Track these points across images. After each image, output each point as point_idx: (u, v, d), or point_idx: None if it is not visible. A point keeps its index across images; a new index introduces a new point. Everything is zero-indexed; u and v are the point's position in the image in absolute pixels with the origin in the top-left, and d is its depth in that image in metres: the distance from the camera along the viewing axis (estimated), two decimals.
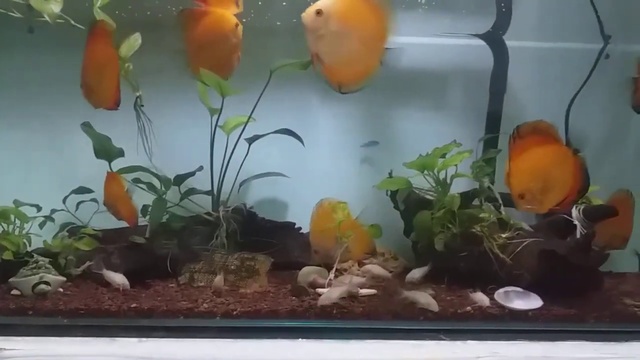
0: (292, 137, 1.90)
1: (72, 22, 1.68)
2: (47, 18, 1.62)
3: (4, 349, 1.30)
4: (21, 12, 1.67)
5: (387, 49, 1.50)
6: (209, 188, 1.90)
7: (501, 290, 1.55)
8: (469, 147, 1.82)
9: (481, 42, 1.96)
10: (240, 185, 1.95)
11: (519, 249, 1.61)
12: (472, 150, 1.81)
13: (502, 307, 1.51)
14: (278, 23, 1.95)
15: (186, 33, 1.65)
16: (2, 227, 1.64)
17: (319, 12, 1.43)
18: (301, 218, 1.89)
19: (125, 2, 1.75)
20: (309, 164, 2.03)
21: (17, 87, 1.93)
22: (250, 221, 1.93)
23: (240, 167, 1.91)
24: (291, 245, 1.92)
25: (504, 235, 1.65)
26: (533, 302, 1.51)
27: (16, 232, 1.66)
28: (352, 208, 1.81)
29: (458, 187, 1.81)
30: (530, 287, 1.55)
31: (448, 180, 1.79)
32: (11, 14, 1.63)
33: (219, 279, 1.60)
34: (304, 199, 1.91)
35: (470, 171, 1.83)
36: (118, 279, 1.56)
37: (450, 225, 1.71)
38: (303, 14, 1.46)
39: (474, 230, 1.67)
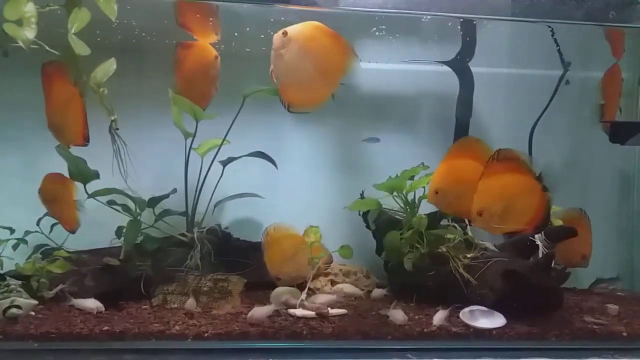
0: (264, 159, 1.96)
1: (47, 48, 1.70)
2: (21, 44, 1.64)
3: None
4: None
5: (341, 84, 1.57)
6: (184, 209, 1.94)
7: (466, 310, 1.60)
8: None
9: (448, 69, 2.04)
10: (215, 206, 1.98)
11: (483, 269, 1.67)
12: None
13: (467, 325, 1.56)
14: (247, 49, 2.01)
15: (175, 64, 1.75)
16: None
17: (284, 34, 1.53)
18: None
19: (99, 27, 1.77)
20: (283, 185, 2.08)
21: None
22: (225, 241, 1.96)
23: (215, 189, 1.95)
24: (264, 265, 1.95)
25: (469, 255, 1.71)
26: (497, 320, 1.56)
27: None
28: (326, 227, 1.87)
29: (426, 208, 1.87)
30: (494, 306, 1.60)
31: (416, 202, 1.86)
32: None
33: (190, 302, 1.62)
34: (278, 219, 1.95)
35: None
36: (91, 304, 1.56)
37: (418, 245, 1.77)
38: (274, 35, 1.55)
39: (440, 250, 1.73)
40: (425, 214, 1.79)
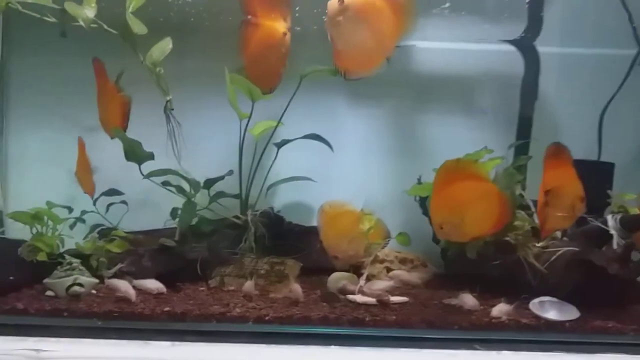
0: (320, 142, 1.91)
1: (105, 26, 1.70)
2: (81, 23, 1.64)
3: (42, 350, 1.30)
4: (56, 16, 1.69)
5: (397, 46, 1.57)
6: (237, 191, 1.91)
7: (536, 300, 1.52)
8: (499, 154, 1.81)
9: (512, 48, 1.94)
10: (267, 189, 1.95)
11: (553, 258, 1.59)
12: (503, 156, 1.79)
13: (538, 317, 1.49)
14: (297, 28, 1.96)
15: (242, 44, 1.71)
16: (36, 228, 1.65)
17: (341, 1, 1.53)
18: None
19: (158, 5, 1.75)
20: (337, 168, 2.03)
21: (50, 90, 1.96)
22: (278, 225, 1.93)
23: (269, 171, 1.92)
24: (318, 250, 1.91)
25: (538, 244, 1.62)
26: (569, 313, 1.48)
27: (49, 234, 1.67)
28: (379, 213, 1.81)
29: None
30: (566, 297, 1.52)
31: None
32: (46, 18, 1.65)
33: (250, 284, 1.60)
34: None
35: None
36: (152, 285, 1.55)
37: None
38: (329, 2, 1.56)
39: (507, 238, 1.65)
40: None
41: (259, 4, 1.67)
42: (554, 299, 1.52)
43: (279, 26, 1.70)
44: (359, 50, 1.57)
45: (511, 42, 1.93)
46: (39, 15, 1.63)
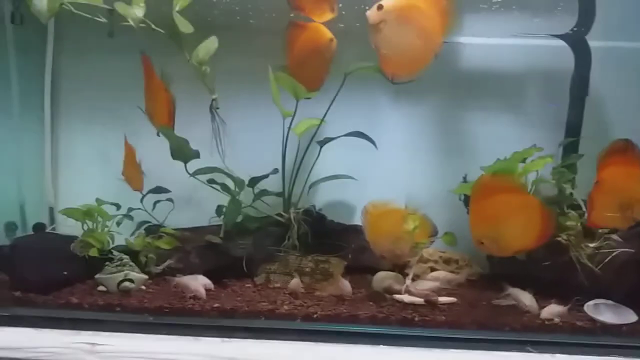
0: (361, 139, 1.90)
1: (153, 26, 1.72)
2: (131, 22, 1.66)
3: (97, 344, 1.34)
4: (104, 16, 1.72)
5: (444, 42, 1.57)
6: (279, 189, 1.92)
7: (591, 303, 1.48)
8: (547, 152, 1.76)
9: (562, 43, 1.89)
10: (309, 188, 1.95)
11: (608, 259, 1.54)
12: (553, 155, 1.74)
13: (593, 320, 1.44)
14: (341, 25, 1.95)
15: (288, 45, 1.74)
16: (87, 225, 1.69)
17: (380, 7, 1.54)
18: None
19: (203, 4, 1.77)
20: (379, 166, 2.01)
21: (98, 89, 2.00)
22: (320, 223, 1.92)
23: (311, 170, 1.91)
24: (360, 248, 1.90)
25: (592, 245, 1.58)
26: (626, 316, 1.43)
27: (99, 230, 1.70)
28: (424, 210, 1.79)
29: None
30: (622, 300, 1.47)
31: (529, 186, 1.73)
32: (97, 19, 1.68)
33: (296, 282, 1.60)
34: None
35: (550, 177, 1.76)
36: (201, 282, 1.56)
37: None
38: (367, 11, 1.56)
39: (559, 238, 1.60)
40: (540, 200, 1.66)
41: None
42: (610, 302, 1.48)
43: (326, 32, 1.73)
44: (404, 53, 1.57)
45: (561, 36, 1.87)
46: (90, 16, 1.66)
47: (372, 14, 1.54)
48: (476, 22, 1.90)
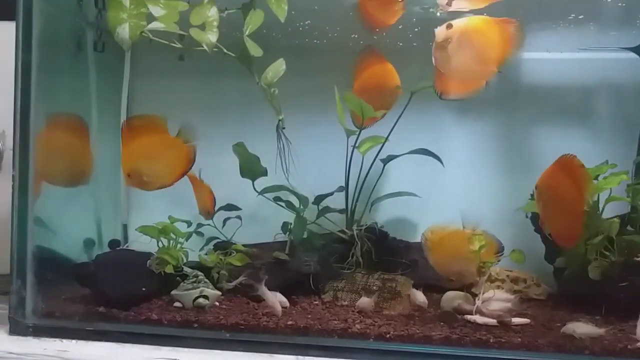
0: (423, 156, 1.90)
1: (225, 50, 1.78)
2: (205, 47, 1.73)
3: None
4: (179, 42, 1.79)
5: (498, 72, 1.59)
6: (341, 206, 1.94)
7: None
8: (619, 169, 1.71)
9: (634, 55, 1.84)
10: (372, 205, 1.96)
11: None
12: (627, 171, 1.69)
13: None
14: (400, 44, 1.96)
15: (357, 68, 1.79)
16: (162, 242, 1.75)
17: (449, 26, 1.57)
18: None
19: (275, 28, 1.82)
20: (442, 183, 2.00)
21: (168, 109, 2.08)
22: (382, 240, 1.93)
23: (374, 187, 1.93)
24: (424, 266, 1.89)
25: None
26: None
27: (174, 247, 1.76)
28: (488, 230, 1.77)
29: (610, 211, 1.69)
30: None
31: (601, 204, 1.69)
32: (173, 44, 1.76)
33: (366, 300, 1.61)
34: (435, 219, 1.90)
35: (625, 194, 1.71)
36: (278, 299, 1.59)
37: (607, 253, 1.61)
38: (436, 28, 1.59)
39: (637, 258, 1.55)
40: (615, 218, 1.62)
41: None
42: None
43: (395, 77, 1.79)
44: (461, 73, 1.60)
45: (633, 49, 1.82)
46: (166, 42, 1.74)
47: (440, 31, 1.58)
48: (550, 36, 1.89)
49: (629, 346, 1.38)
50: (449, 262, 1.72)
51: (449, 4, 1.60)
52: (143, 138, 1.67)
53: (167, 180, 1.71)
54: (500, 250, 1.75)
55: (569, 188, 1.53)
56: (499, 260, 1.75)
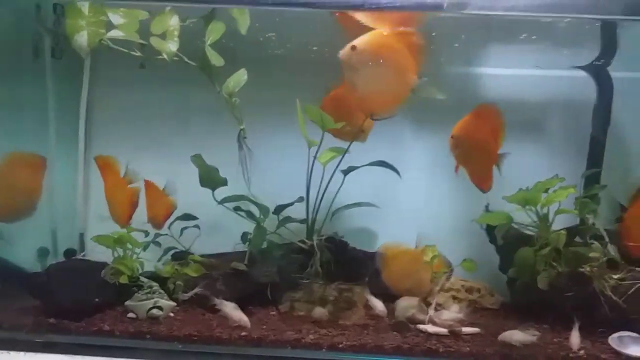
0: (384, 168, 1.93)
1: (186, 59, 1.79)
2: (165, 56, 1.73)
3: None
4: (139, 50, 1.79)
5: (418, 79, 1.62)
6: (302, 216, 1.95)
7: (615, 335, 1.48)
8: (569, 182, 1.77)
9: (584, 74, 1.91)
10: (332, 215, 1.98)
11: (632, 291, 1.54)
12: (575, 185, 1.75)
13: (618, 353, 1.44)
14: None
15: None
16: (118, 252, 1.73)
17: (353, 48, 1.57)
18: None
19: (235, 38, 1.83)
20: (400, 195, 2.04)
21: (129, 117, 2.07)
22: (342, 250, 1.95)
23: (334, 198, 1.95)
24: (382, 276, 1.92)
25: (615, 276, 1.58)
26: None
27: (129, 257, 1.74)
28: (444, 241, 1.82)
29: (560, 223, 1.75)
30: None
31: (550, 216, 1.75)
32: (133, 53, 1.76)
33: (321, 311, 1.62)
34: (394, 230, 1.94)
35: (573, 207, 1.77)
36: (228, 309, 1.58)
37: (555, 263, 1.66)
38: (341, 51, 1.59)
39: (582, 269, 1.61)
40: (562, 230, 1.67)
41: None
42: (635, 334, 1.48)
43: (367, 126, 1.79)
44: (380, 90, 1.61)
45: (583, 68, 1.90)
46: (125, 50, 1.73)
47: (345, 54, 1.57)
48: (502, 53, 1.95)
49: (570, 354, 1.43)
50: (400, 280, 1.76)
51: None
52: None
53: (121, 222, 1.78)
54: (448, 268, 1.82)
55: (487, 134, 1.67)
56: (448, 277, 1.82)
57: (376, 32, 1.60)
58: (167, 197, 1.86)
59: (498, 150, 1.70)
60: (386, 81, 1.59)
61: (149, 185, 1.85)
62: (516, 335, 1.46)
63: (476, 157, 1.70)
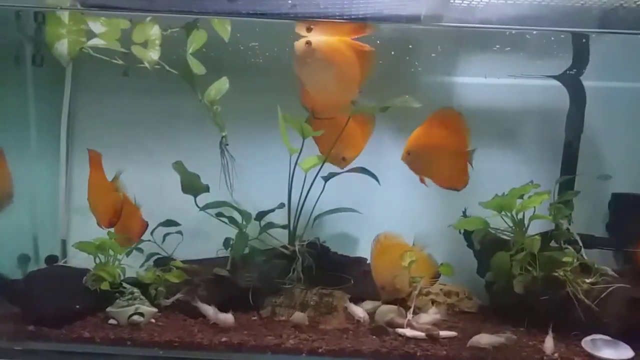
0: (365, 175, 1.96)
1: (167, 67, 1.80)
2: (146, 64, 1.75)
3: None
4: (121, 58, 1.80)
5: (360, 91, 1.69)
6: (285, 222, 1.97)
7: (588, 338, 1.53)
8: (543, 188, 1.82)
9: (557, 83, 1.97)
10: (314, 220, 2.01)
11: (604, 295, 1.59)
12: (549, 191, 1.80)
13: (590, 355, 1.49)
14: None
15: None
16: (99, 258, 1.74)
17: (308, 43, 1.62)
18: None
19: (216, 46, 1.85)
20: (381, 200, 2.07)
21: (112, 124, 2.08)
22: (324, 255, 1.97)
23: (316, 203, 1.97)
24: (363, 280, 1.94)
25: (588, 281, 1.62)
26: (623, 351, 1.48)
27: (111, 263, 1.75)
28: (425, 245, 1.86)
29: (535, 228, 1.80)
30: (619, 335, 1.52)
31: (526, 222, 1.79)
32: (114, 61, 1.77)
33: (300, 315, 1.64)
34: (375, 234, 1.97)
35: (548, 212, 1.82)
36: (211, 312, 1.61)
37: (530, 268, 1.71)
38: (296, 43, 1.64)
39: (556, 274, 1.65)
40: (537, 235, 1.72)
41: None
42: (607, 337, 1.52)
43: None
44: (326, 90, 1.65)
45: (556, 77, 1.95)
46: (107, 58, 1.74)
47: (300, 47, 1.61)
48: (479, 63, 2.00)
49: (544, 357, 1.47)
50: (387, 270, 1.77)
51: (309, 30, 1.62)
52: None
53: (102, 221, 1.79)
54: (436, 275, 1.85)
55: (445, 137, 1.70)
56: (433, 284, 1.86)
57: (334, 37, 1.64)
58: (139, 213, 1.87)
59: (465, 148, 1.72)
60: (331, 83, 1.63)
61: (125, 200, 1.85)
62: (484, 339, 1.50)
63: (440, 163, 1.73)
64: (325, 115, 1.69)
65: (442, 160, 1.72)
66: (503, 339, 1.48)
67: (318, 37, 1.62)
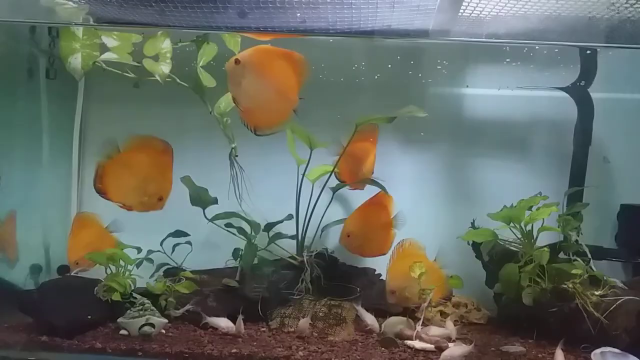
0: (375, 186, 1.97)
1: (178, 80, 1.83)
2: (157, 78, 1.77)
3: None
4: (133, 71, 1.83)
5: (300, 99, 1.64)
6: (293, 233, 1.98)
7: (598, 351, 1.52)
8: (552, 199, 1.82)
9: (565, 95, 1.97)
10: (322, 231, 2.02)
11: (613, 307, 1.58)
12: (558, 203, 1.80)
13: None
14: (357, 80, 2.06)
15: None
16: (110, 269, 1.76)
17: (237, 62, 1.56)
18: (379, 264, 1.94)
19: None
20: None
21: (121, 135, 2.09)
22: (331, 266, 1.98)
23: (324, 214, 1.98)
24: (371, 291, 1.95)
25: (597, 293, 1.62)
26: None
27: (122, 274, 1.76)
28: (431, 256, 1.86)
29: (544, 240, 1.80)
30: (628, 348, 1.51)
31: (534, 233, 1.79)
32: (126, 74, 1.80)
33: (303, 321, 1.65)
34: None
35: (556, 224, 1.82)
36: (223, 323, 1.63)
37: (539, 280, 1.71)
38: (226, 63, 1.59)
39: (565, 286, 1.65)
40: (546, 247, 1.72)
41: None
42: (616, 350, 1.51)
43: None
44: (264, 105, 1.61)
45: (564, 89, 1.96)
46: (119, 72, 1.77)
47: (230, 67, 1.56)
48: (487, 74, 2.02)
49: None
50: (400, 276, 1.78)
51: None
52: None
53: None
54: (448, 295, 1.88)
55: (383, 215, 1.92)
56: (442, 303, 1.87)
57: (260, 48, 1.61)
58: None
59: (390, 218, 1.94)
60: (268, 97, 1.59)
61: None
62: (456, 351, 1.50)
63: (373, 238, 1.92)
64: (270, 131, 1.65)
65: (374, 235, 1.91)
66: (471, 347, 1.50)
67: (245, 53, 1.57)
